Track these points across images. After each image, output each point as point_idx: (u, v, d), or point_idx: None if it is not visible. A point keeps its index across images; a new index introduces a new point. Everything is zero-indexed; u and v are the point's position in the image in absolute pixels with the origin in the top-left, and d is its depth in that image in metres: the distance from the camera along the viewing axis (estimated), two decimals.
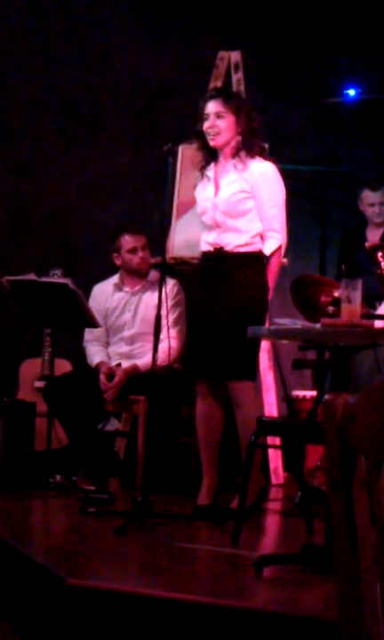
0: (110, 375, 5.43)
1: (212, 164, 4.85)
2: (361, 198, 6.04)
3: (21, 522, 4.71)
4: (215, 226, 4.79)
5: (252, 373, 4.81)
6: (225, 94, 4.92)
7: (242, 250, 4.74)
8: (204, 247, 4.85)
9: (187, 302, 5.43)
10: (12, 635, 3.59)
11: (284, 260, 5.16)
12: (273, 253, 4.75)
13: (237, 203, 4.74)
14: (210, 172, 4.85)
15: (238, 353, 4.67)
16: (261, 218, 4.74)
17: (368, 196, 6.00)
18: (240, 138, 4.75)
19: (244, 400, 4.74)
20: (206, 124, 4.78)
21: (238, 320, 4.57)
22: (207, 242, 4.82)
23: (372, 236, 5.95)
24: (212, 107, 4.77)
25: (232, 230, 4.75)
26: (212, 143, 4.78)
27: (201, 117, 4.83)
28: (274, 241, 4.75)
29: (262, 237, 4.76)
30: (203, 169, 4.87)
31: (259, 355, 4.91)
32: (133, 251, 5.59)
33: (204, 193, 4.85)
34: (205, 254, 4.84)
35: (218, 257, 4.77)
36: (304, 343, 5.42)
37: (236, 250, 4.75)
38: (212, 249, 4.79)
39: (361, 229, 6.09)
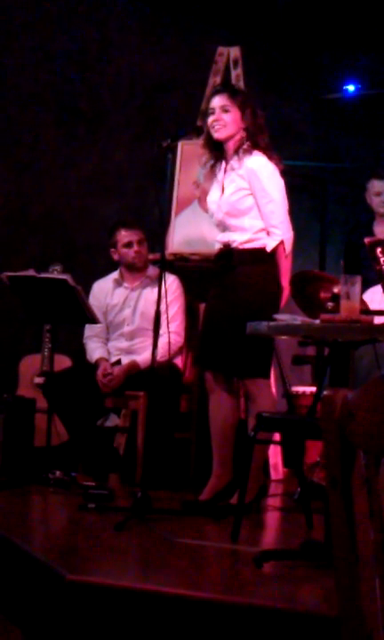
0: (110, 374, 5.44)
1: (221, 166, 4.85)
2: (368, 189, 5.93)
3: (21, 518, 4.71)
4: (222, 226, 4.82)
5: (265, 371, 4.78)
6: (231, 89, 4.99)
7: (247, 246, 4.75)
8: (216, 246, 4.90)
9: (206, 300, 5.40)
10: (11, 630, 3.59)
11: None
12: (275, 249, 4.72)
13: (237, 202, 4.74)
14: (219, 174, 4.85)
15: (250, 350, 4.66)
16: (260, 215, 4.74)
17: (375, 185, 5.87)
18: (244, 133, 4.76)
19: (260, 394, 4.75)
20: (211, 118, 4.80)
21: (247, 316, 4.40)
22: (218, 240, 4.87)
23: (380, 231, 5.85)
24: (217, 101, 4.80)
25: (237, 229, 4.76)
26: (215, 135, 4.78)
27: (206, 113, 4.83)
28: (274, 237, 4.72)
29: (269, 233, 4.75)
30: (212, 166, 4.86)
31: (272, 352, 4.82)
32: (129, 245, 5.59)
33: (213, 196, 4.88)
34: (217, 253, 4.88)
35: (226, 255, 4.79)
36: (303, 339, 5.42)
37: (241, 247, 4.75)
38: (222, 247, 4.83)
39: (368, 225, 5.99)
